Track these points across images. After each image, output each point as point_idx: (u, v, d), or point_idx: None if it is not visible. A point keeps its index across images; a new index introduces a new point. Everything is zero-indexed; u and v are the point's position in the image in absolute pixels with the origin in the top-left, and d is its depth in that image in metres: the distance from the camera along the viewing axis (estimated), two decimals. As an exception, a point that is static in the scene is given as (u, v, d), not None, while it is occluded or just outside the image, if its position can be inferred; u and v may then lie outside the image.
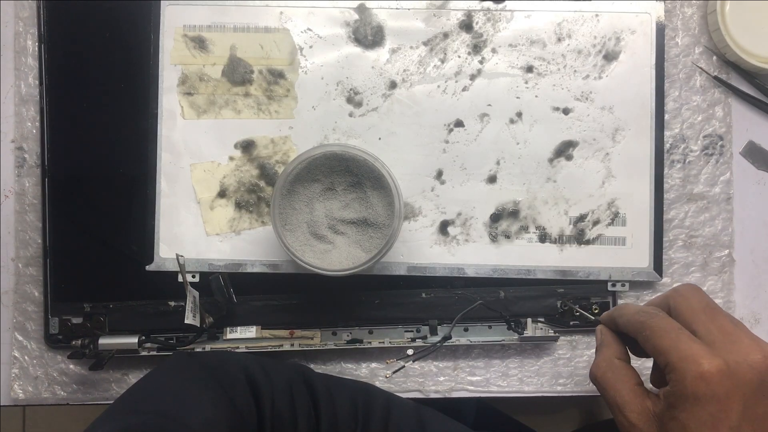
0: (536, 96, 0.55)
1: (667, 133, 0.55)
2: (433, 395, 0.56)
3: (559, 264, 0.55)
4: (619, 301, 0.55)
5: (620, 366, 0.42)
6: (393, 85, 0.55)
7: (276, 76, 0.55)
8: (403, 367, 0.55)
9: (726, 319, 0.39)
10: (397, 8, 0.55)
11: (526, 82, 0.55)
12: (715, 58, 0.56)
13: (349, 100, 0.55)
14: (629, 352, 0.44)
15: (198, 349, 0.54)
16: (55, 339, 0.55)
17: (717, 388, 0.36)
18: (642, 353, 0.43)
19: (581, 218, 0.55)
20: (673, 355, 0.37)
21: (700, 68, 0.56)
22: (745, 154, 0.56)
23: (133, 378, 0.56)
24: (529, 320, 0.54)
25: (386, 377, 0.56)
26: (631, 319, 0.42)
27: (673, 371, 0.37)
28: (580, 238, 0.55)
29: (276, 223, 0.48)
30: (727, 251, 0.56)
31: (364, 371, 0.56)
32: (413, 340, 0.54)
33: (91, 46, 0.55)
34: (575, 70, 0.55)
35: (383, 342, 0.54)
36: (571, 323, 0.55)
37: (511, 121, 0.55)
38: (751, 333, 0.39)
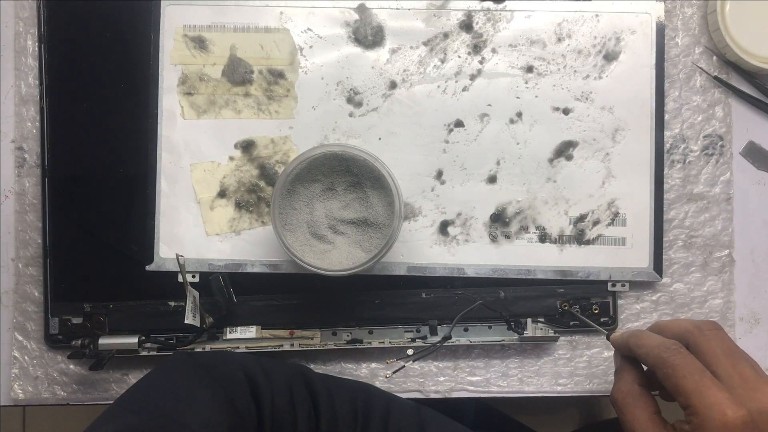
0: (536, 96, 0.55)
1: (667, 133, 0.55)
2: (433, 395, 0.56)
3: (559, 264, 0.55)
4: (620, 302, 0.55)
5: (640, 393, 0.43)
6: (393, 85, 0.55)
7: (276, 76, 0.55)
8: (403, 367, 0.55)
9: (747, 365, 0.40)
10: (397, 8, 0.55)
11: (526, 82, 0.55)
12: (715, 58, 0.56)
13: (349, 100, 0.55)
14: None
15: (198, 349, 0.54)
16: (55, 339, 0.55)
17: None
18: (656, 384, 0.43)
19: (581, 218, 0.55)
20: (696, 400, 0.38)
21: (700, 68, 0.56)
22: (745, 154, 0.56)
23: (133, 378, 0.56)
24: (529, 320, 0.54)
25: (386, 377, 0.56)
26: (651, 353, 0.41)
27: (695, 415, 0.37)
28: (580, 238, 0.55)
29: (276, 223, 0.48)
30: (727, 251, 0.56)
31: (364, 371, 0.56)
32: (413, 340, 0.54)
33: (91, 46, 0.55)
34: (575, 70, 0.55)
35: (383, 342, 0.54)
36: (571, 323, 0.55)
37: (511, 121, 0.55)
38: None
